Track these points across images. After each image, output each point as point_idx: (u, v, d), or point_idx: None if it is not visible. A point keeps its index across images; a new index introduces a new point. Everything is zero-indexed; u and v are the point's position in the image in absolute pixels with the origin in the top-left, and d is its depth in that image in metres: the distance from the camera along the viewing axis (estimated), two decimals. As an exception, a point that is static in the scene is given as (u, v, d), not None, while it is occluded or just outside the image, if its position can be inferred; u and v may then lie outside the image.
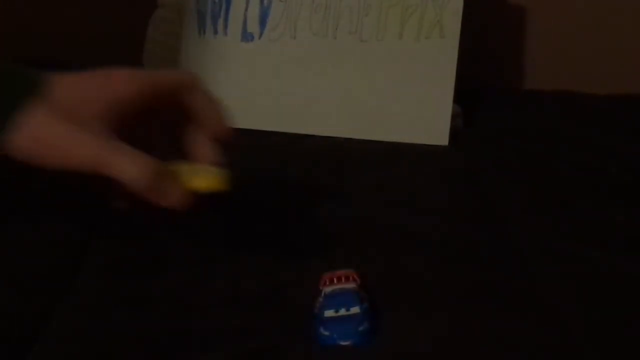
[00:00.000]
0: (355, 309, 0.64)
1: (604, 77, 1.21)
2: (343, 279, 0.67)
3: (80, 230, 0.80)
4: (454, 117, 1.02)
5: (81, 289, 0.71)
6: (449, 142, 1.01)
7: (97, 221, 0.81)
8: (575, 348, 0.63)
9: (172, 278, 0.72)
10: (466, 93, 1.04)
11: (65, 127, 0.58)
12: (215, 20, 1.04)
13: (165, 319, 0.66)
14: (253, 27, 1.04)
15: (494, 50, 1.23)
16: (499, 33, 1.23)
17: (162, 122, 0.63)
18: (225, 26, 1.04)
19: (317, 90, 1.04)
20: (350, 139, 1.02)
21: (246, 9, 1.04)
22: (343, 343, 0.62)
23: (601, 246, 0.78)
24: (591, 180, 0.92)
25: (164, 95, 0.61)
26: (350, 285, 0.67)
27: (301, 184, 0.90)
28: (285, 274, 0.72)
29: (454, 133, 1.02)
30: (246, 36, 1.04)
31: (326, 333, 0.62)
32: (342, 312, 0.64)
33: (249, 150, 0.98)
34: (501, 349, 0.62)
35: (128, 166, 0.57)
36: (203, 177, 0.60)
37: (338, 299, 0.65)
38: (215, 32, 1.05)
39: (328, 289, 0.66)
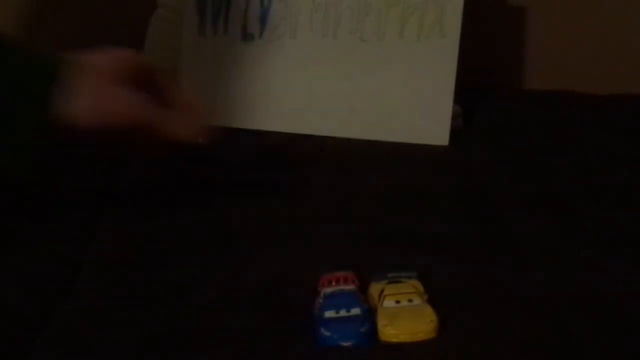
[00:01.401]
0: (355, 310, 0.64)
1: (604, 77, 1.21)
2: (342, 280, 0.67)
3: (80, 231, 0.80)
4: (454, 117, 1.02)
5: (81, 289, 0.71)
6: (449, 142, 1.01)
7: (97, 221, 0.81)
8: (575, 348, 0.63)
9: (172, 278, 0.72)
10: (466, 93, 1.04)
11: (121, 89, 0.71)
12: (215, 20, 1.04)
13: (165, 319, 0.66)
14: (253, 27, 1.04)
15: (494, 50, 1.23)
16: (499, 33, 1.23)
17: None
18: (225, 26, 1.04)
19: (317, 90, 1.04)
20: (350, 139, 1.02)
21: (246, 9, 1.04)
22: (344, 344, 0.62)
23: (601, 246, 0.78)
24: (591, 180, 0.92)
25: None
26: (350, 286, 0.67)
27: (301, 184, 0.90)
28: (285, 274, 0.72)
29: (454, 133, 1.02)
30: (246, 36, 1.04)
31: (327, 334, 0.62)
32: (343, 313, 0.64)
33: (249, 150, 0.99)
34: (501, 349, 0.62)
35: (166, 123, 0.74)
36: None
37: (338, 300, 0.65)
38: (215, 32, 1.05)
39: (328, 290, 0.66)
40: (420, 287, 0.66)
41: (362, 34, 1.03)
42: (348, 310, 0.64)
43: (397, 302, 0.64)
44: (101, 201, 0.85)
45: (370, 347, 0.62)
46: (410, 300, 0.65)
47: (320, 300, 0.66)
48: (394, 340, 0.62)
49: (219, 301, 0.69)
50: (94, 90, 0.70)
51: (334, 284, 0.67)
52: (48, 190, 0.85)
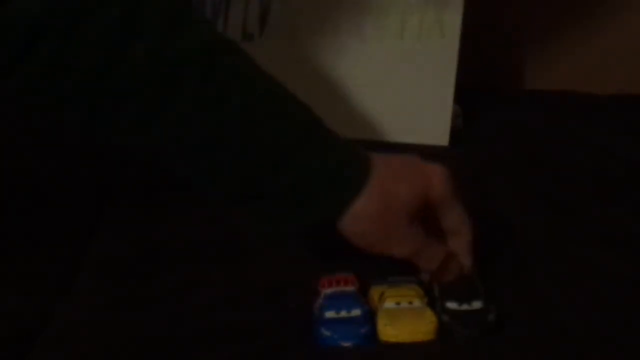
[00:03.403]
0: (356, 311, 0.64)
1: (604, 77, 1.21)
2: (342, 282, 0.67)
3: (80, 230, 0.80)
4: (454, 117, 1.02)
5: (81, 289, 0.71)
6: (449, 142, 1.01)
7: (97, 221, 0.81)
8: (576, 348, 0.63)
9: (172, 278, 0.72)
10: (466, 93, 1.04)
11: (399, 219, 0.65)
12: (215, 20, 1.04)
13: (165, 319, 0.66)
14: (253, 26, 1.04)
15: (493, 50, 1.23)
16: (499, 33, 1.23)
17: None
18: (225, 26, 1.04)
19: (316, 90, 1.03)
20: (350, 139, 1.01)
21: (246, 9, 1.04)
22: (344, 344, 0.62)
23: (601, 246, 0.78)
24: (591, 180, 0.92)
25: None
26: (350, 288, 0.67)
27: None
28: (285, 274, 0.72)
29: (454, 133, 1.02)
30: (246, 36, 1.04)
31: (327, 334, 0.62)
32: (343, 313, 0.64)
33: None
34: (501, 349, 0.62)
35: (430, 264, 0.68)
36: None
37: (338, 301, 0.65)
38: (215, 31, 1.05)
39: (328, 291, 0.66)
40: (421, 291, 0.66)
41: (362, 34, 1.03)
42: (348, 311, 0.64)
43: (398, 303, 0.64)
44: (101, 201, 0.85)
45: (370, 347, 0.62)
46: (410, 302, 0.65)
47: (321, 301, 0.66)
48: (394, 340, 0.62)
49: (219, 301, 0.69)
50: (380, 213, 0.65)
51: (334, 285, 0.67)
52: (48, 190, 0.86)
